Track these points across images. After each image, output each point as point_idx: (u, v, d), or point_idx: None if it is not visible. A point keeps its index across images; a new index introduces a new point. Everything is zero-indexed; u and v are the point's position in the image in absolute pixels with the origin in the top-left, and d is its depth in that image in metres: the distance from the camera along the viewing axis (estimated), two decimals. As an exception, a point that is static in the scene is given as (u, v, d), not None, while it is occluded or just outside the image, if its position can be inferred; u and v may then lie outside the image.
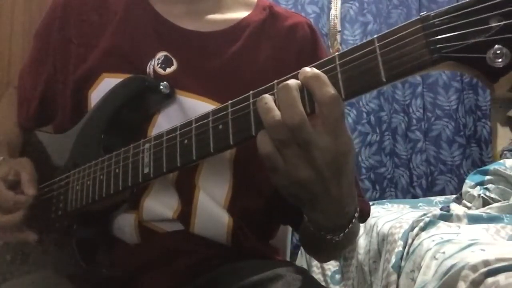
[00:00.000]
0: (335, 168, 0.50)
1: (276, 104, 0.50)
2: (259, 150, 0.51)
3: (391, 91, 2.62)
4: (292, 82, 0.50)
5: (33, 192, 0.75)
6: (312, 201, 0.54)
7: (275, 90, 0.52)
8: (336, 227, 0.58)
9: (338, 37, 2.68)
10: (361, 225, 1.85)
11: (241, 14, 0.82)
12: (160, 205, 0.73)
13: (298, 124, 0.48)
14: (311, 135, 0.48)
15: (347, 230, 0.58)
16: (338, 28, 2.69)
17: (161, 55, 0.76)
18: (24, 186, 0.75)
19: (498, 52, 0.40)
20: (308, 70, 0.50)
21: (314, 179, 0.50)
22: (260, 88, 0.54)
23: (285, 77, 0.52)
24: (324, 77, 0.49)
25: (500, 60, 0.40)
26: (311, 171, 0.50)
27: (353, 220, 0.58)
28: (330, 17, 2.69)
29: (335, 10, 2.72)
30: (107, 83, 0.75)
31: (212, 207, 0.72)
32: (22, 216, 0.73)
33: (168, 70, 0.75)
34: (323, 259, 0.95)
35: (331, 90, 0.48)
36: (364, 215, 0.77)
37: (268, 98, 0.51)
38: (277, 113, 0.49)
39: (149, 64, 0.76)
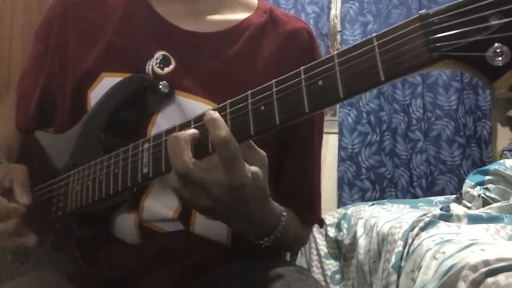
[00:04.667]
0: (236, 196, 0.55)
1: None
2: (169, 183, 0.57)
3: (391, 91, 2.62)
4: (183, 133, 0.55)
5: (25, 201, 0.74)
6: (226, 219, 0.61)
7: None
8: (259, 235, 0.65)
9: (338, 37, 2.69)
10: (361, 225, 1.87)
11: (241, 15, 0.82)
12: (160, 205, 0.73)
13: (185, 172, 0.54)
14: (201, 176, 0.54)
15: (272, 236, 0.65)
16: (338, 28, 2.69)
17: (159, 54, 0.76)
18: (16, 194, 0.74)
19: (498, 50, 0.39)
20: (209, 112, 0.54)
21: (217, 206, 0.56)
22: (258, 88, 0.54)
23: (282, 77, 0.52)
24: (219, 120, 0.53)
25: (500, 58, 0.39)
26: (211, 201, 0.56)
27: (278, 227, 0.65)
28: (330, 17, 2.70)
29: (335, 10, 2.73)
30: (106, 83, 0.75)
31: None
32: (15, 225, 0.72)
33: (166, 69, 0.75)
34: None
35: (222, 133, 0.52)
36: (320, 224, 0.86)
37: (171, 137, 0.56)
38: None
39: (147, 63, 0.76)
